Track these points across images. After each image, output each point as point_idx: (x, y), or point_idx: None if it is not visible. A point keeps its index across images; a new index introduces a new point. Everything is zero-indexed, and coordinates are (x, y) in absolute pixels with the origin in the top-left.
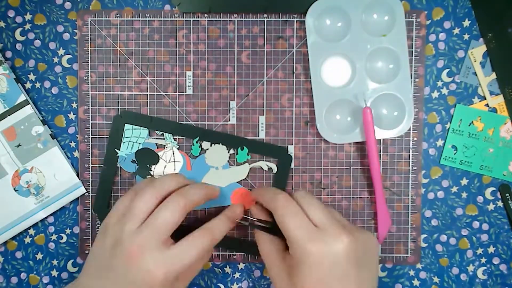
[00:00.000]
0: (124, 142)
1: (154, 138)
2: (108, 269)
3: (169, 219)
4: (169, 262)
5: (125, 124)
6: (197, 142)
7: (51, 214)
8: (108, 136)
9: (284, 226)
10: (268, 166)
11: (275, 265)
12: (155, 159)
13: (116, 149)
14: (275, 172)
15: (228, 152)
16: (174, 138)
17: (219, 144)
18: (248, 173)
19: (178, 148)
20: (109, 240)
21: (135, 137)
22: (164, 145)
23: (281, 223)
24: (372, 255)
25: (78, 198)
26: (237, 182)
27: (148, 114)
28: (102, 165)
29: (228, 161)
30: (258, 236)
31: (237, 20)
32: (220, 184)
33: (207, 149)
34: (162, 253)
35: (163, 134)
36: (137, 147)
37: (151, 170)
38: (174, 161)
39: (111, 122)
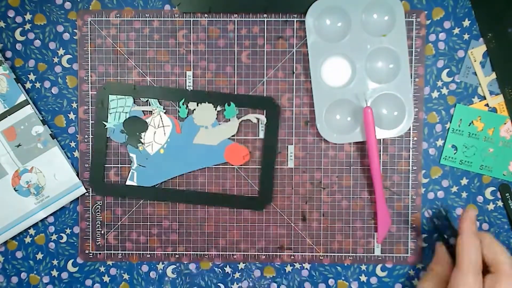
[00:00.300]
0: (110, 114)
1: (140, 105)
2: None
3: None
4: None
5: (109, 95)
6: (183, 104)
7: (51, 214)
8: (94, 108)
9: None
10: (257, 118)
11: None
12: (144, 126)
13: (103, 122)
14: (265, 123)
15: (216, 109)
16: (159, 103)
17: (205, 102)
18: (238, 128)
19: (165, 112)
20: None
21: (121, 107)
22: (151, 111)
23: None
24: None
25: (78, 198)
26: (228, 138)
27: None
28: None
29: (216, 118)
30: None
31: (237, 20)
32: (212, 142)
33: (194, 109)
34: None
35: (148, 100)
36: (124, 116)
37: (141, 138)
38: (163, 126)
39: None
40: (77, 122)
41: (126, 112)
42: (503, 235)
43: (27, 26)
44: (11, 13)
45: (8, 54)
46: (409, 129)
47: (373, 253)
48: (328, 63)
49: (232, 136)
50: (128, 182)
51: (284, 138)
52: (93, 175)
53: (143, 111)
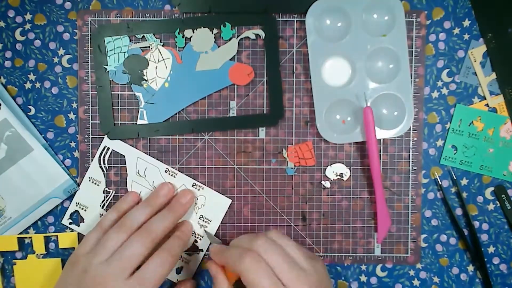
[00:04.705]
0: (109, 56)
1: (136, 42)
2: None
3: (136, 253)
4: None
5: (105, 38)
6: (179, 33)
7: (51, 214)
8: (92, 55)
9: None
10: (255, 33)
11: None
12: (144, 63)
13: (104, 65)
14: (263, 37)
15: (212, 33)
16: (156, 37)
17: (200, 28)
18: (238, 47)
19: (163, 45)
20: (78, 269)
21: (118, 48)
22: (149, 46)
23: (249, 283)
24: (326, 278)
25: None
26: (230, 59)
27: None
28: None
29: (214, 42)
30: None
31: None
32: (214, 66)
33: (191, 36)
34: (124, 285)
35: (144, 36)
36: (123, 56)
37: (144, 75)
38: (163, 59)
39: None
40: (77, 122)
41: (124, 52)
42: (503, 235)
43: (27, 26)
44: (11, 13)
45: (8, 54)
46: (409, 129)
47: (373, 253)
48: (328, 63)
49: (233, 56)
50: (139, 122)
51: (284, 138)
52: (103, 122)
53: (140, 48)
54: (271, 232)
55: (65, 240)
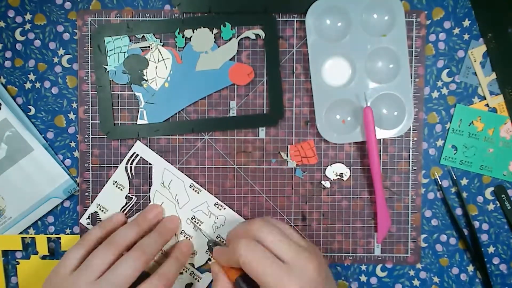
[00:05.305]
0: (109, 56)
1: (136, 42)
2: None
3: (129, 275)
4: None
5: (105, 38)
6: (179, 33)
7: (51, 214)
8: (92, 55)
9: (254, 274)
10: (255, 33)
11: None
12: (144, 63)
13: (104, 65)
14: (263, 37)
15: (212, 33)
16: (156, 37)
17: (200, 28)
18: (238, 47)
19: (162, 45)
20: None
21: (118, 48)
22: (149, 47)
23: (250, 271)
24: (324, 262)
25: (78, 198)
26: (230, 59)
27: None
28: (97, 86)
29: (214, 42)
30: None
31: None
32: (214, 66)
33: (191, 36)
34: None
35: (144, 36)
36: (123, 56)
37: (144, 75)
38: (163, 59)
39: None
40: (77, 122)
41: (124, 52)
42: (503, 235)
43: (27, 26)
44: (11, 13)
45: (8, 54)
46: (409, 129)
47: (373, 253)
48: (328, 63)
49: (233, 56)
50: (139, 122)
51: (284, 138)
52: (103, 122)
53: (140, 48)
54: (266, 217)
55: (68, 242)
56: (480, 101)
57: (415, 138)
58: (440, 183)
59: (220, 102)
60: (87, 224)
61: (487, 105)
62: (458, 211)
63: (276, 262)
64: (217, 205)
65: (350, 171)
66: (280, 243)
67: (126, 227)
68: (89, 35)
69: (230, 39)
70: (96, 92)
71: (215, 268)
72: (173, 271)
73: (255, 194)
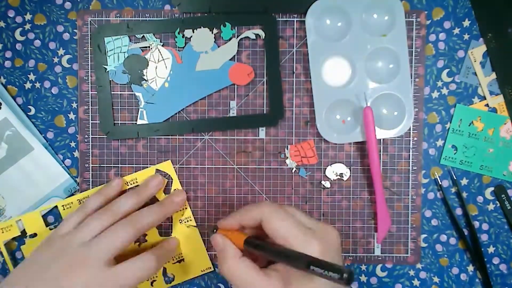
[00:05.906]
0: (109, 56)
1: (136, 42)
2: (39, 279)
3: (116, 244)
4: (106, 282)
5: (105, 38)
6: (179, 33)
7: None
8: (92, 55)
9: (279, 229)
10: (255, 33)
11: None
12: (144, 63)
13: (104, 65)
14: (263, 37)
15: (212, 32)
16: (156, 37)
17: (200, 28)
18: (238, 47)
19: (162, 45)
20: (55, 248)
21: (118, 48)
22: (148, 46)
23: (277, 228)
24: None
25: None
26: (230, 59)
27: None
28: (97, 86)
29: (214, 42)
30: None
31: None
32: (214, 66)
33: (191, 36)
34: (101, 271)
35: (144, 36)
36: (123, 56)
37: (143, 75)
38: (163, 59)
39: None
40: (77, 122)
41: (124, 52)
42: (503, 235)
43: (27, 26)
44: (11, 13)
45: (8, 54)
46: (409, 129)
47: (373, 253)
48: (328, 63)
49: (233, 56)
50: (139, 122)
51: (284, 138)
52: (103, 122)
53: (140, 48)
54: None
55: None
56: (480, 101)
57: (415, 138)
58: (440, 183)
59: (220, 102)
60: None
61: (487, 105)
62: (458, 211)
63: (300, 223)
64: None
65: (350, 171)
66: (298, 213)
67: (126, 195)
68: (89, 35)
69: (230, 39)
70: (96, 92)
71: (220, 240)
72: (163, 255)
73: (255, 194)
